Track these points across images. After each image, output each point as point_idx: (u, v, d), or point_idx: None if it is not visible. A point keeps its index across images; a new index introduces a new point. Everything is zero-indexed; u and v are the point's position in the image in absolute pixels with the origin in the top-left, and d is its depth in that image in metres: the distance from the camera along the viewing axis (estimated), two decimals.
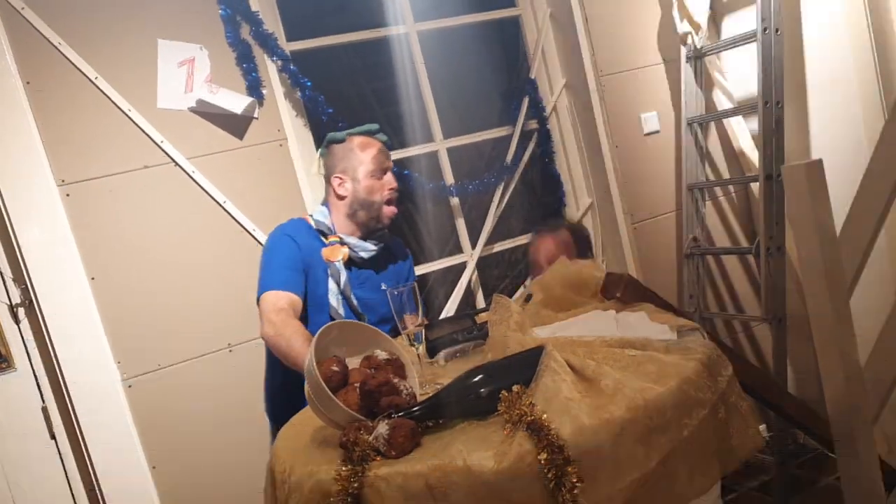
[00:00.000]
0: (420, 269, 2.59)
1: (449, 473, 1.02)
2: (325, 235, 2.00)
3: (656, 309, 1.54)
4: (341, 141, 2.05)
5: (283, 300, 1.85)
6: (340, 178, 2.02)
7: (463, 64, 2.88)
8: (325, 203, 2.07)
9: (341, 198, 2.02)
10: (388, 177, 2.04)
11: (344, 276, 1.94)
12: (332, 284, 1.93)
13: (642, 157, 2.81)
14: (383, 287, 2.03)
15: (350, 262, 1.99)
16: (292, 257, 1.92)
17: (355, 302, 1.95)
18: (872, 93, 2.55)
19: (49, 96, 2.06)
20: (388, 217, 2.03)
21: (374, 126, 2.09)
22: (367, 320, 1.96)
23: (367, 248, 2.00)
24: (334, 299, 1.92)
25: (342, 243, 1.98)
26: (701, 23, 2.63)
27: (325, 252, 1.95)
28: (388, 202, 2.03)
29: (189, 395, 2.17)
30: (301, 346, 1.73)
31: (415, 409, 1.17)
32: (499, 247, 2.78)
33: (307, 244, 1.96)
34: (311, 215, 2.04)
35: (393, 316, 2.06)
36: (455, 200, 2.69)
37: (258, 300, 1.89)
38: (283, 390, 1.95)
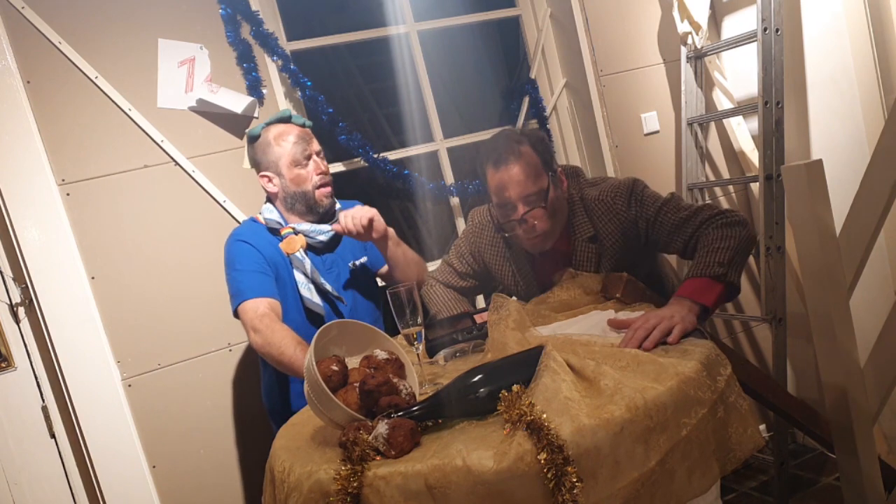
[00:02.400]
0: None
1: (448, 473, 1.02)
2: (278, 230, 1.94)
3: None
4: (258, 136, 1.95)
5: (262, 306, 1.79)
6: (267, 177, 1.94)
7: (463, 64, 2.89)
8: (269, 199, 2.00)
9: (274, 195, 1.96)
10: (315, 161, 1.94)
11: (308, 264, 1.88)
12: (299, 276, 1.88)
13: (642, 157, 2.81)
14: (352, 265, 2.00)
15: (312, 250, 1.94)
16: (256, 261, 1.86)
17: (329, 287, 1.90)
18: (872, 93, 2.55)
19: (49, 96, 2.06)
20: (324, 197, 1.94)
21: (287, 112, 1.98)
22: (347, 303, 1.93)
23: (324, 230, 1.93)
24: (305, 290, 1.87)
25: (297, 233, 1.91)
26: (701, 23, 2.63)
27: (282, 246, 1.89)
28: (322, 185, 1.94)
29: (189, 395, 2.17)
30: (293, 351, 1.71)
31: (414, 408, 1.17)
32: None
33: (263, 244, 1.89)
34: (261, 213, 1.97)
35: (372, 294, 2.03)
36: (455, 200, 2.69)
37: (235, 313, 1.84)
38: (279, 391, 1.94)
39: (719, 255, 1.53)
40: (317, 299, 1.87)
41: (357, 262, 2.01)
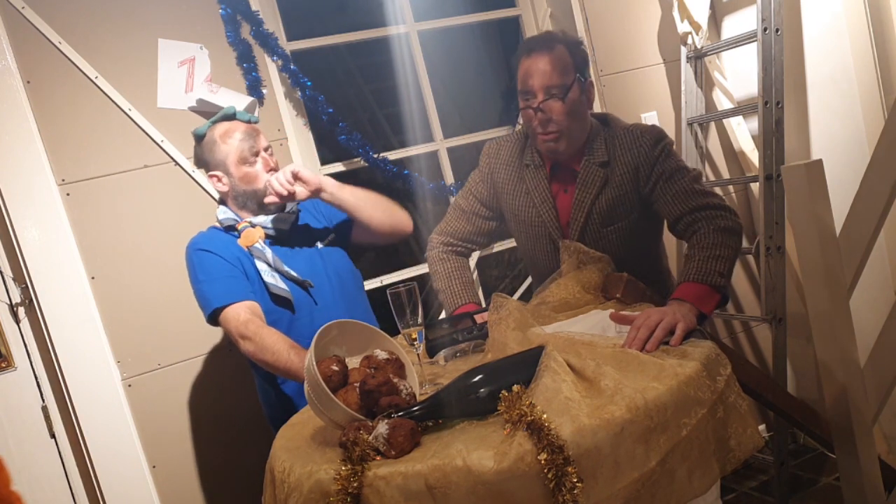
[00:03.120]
0: (420, 270, 2.59)
1: (448, 473, 1.02)
2: (235, 227, 1.88)
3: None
4: (203, 135, 1.89)
5: (243, 312, 1.75)
6: (216, 176, 1.88)
7: (463, 64, 2.89)
8: (222, 200, 1.96)
9: (225, 194, 1.91)
10: (262, 159, 1.88)
11: (269, 252, 1.84)
12: (261, 265, 1.82)
13: None
14: (319, 246, 1.95)
15: (275, 241, 1.90)
16: (219, 266, 1.81)
17: (294, 273, 1.85)
18: (872, 93, 2.55)
19: (49, 96, 2.06)
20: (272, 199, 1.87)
21: (231, 109, 1.91)
22: (315, 285, 1.88)
23: (280, 220, 1.89)
24: (269, 277, 1.82)
25: (253, 226, 1.87)
26: (701, 23, 2.63)
27: (240, 241, 1.85)
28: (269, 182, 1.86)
29: (189, 395, 2.17)
30: (288, 356, 1.69)
31: (414, 408, 1.17)
32: (498, 247, 2.78)
33: (222, 246, 1.84)
34: (216, 217, 1.92)
35: (345, 273, 1.95)
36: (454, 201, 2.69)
37: (215, 322, 1.79)
38: (274, 392, 1.92)
39: (720, 264, 1.53)
40: (282, 284, 1.82)
41: (322, 243, 1.96)
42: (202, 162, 1.92)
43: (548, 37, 1.79)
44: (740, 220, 1.68)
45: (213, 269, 1.81)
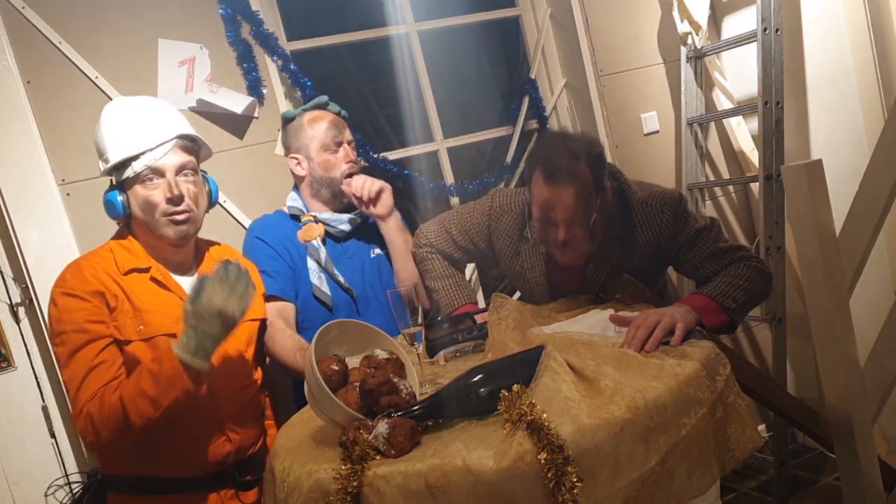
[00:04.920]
0: None
1: (448, 473, 1.02)
2: (299, 217, 1.94)
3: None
4: (292, 119, 1.98)
5: (271, 311, 1.81)
6: (296, 159, 1.96)
7: (463, 64, 2.88)
8: (295, 186, 2.02)
9: (301, 178, 1.97)
10: (345, 149, 1.95)
11: (323, 253, 1.89)
12: (311, 264, 1.89)
13: (642, 157, 2.81)
14: (373, 254, 2.00)
15: (333, 238, 1.95)
16: (266, 258, 1.87)
17: (340, 278, 1.90)
18: (872, 93, 2.55)
19: (49, 96, 2.06)
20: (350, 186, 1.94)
21: (324, 98, 2.00)
22: (358, 293, 1.93)
23: (344, 220, 1.94)
24: (315, 278, 1.88)
25: (317, 221, 1.93)
26: (701, 23, 2.64)
27: (299, 234, 1.90)
28: (349, 175, 1.94)
29: None
30: (293, 359, 1.74)
31: (414, 408, 1.17)
32: None
33: (279, 237, 1.90)
34: (286, 202, 1.99)
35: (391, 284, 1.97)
36: (455, 200, 2.69)
37: None
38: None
39: (738, 292, 1.52)
40: (325, 288, 1.89)
41: (376, 252, 2.01)
42: (285, 145, 2.00)
43: (567, 155, 1.58)
44: (770, 269, 1.66)
45: (261, 261, 1.86)
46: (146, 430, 1.43)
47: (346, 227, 1.95)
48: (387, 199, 1.90)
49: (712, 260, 1.65)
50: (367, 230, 2.03)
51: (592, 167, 1.59)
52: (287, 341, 1.78)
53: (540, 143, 1.70)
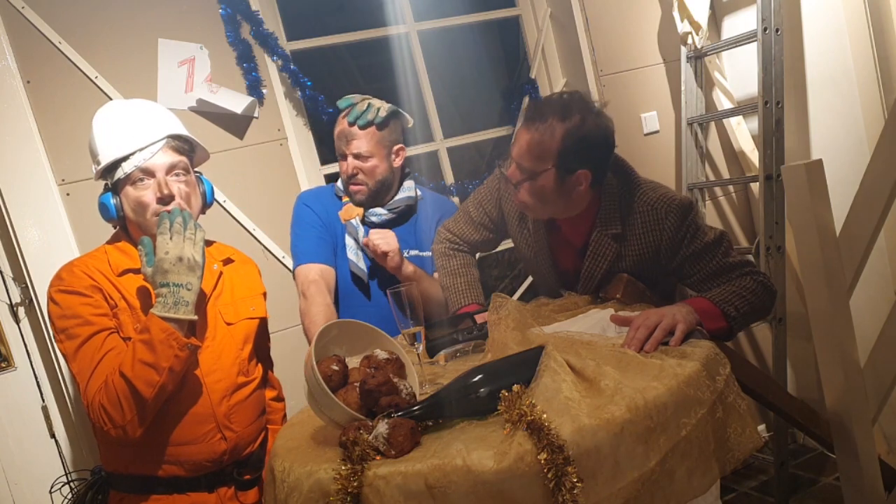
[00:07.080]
0: None
1: (448, 473, 1.02)
2: (342, 198, 2.01)
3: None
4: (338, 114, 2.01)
5: (313, 272, 1.90)
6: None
7: (463, 64, 2.89)
8: None
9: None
10: (349, 161, 1.94)
11: (361, 231, 1.94)
12: (349, 240, 1.96)
13: (642, 157, 2.80)
14: (406, 253, 2.00)
15: (371, 225, 1.98)
16: (313, 225, 1.96)
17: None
18: (872, 93, 2.55)
19: (49, 96, 2.06)
20: (353, 193, 1.97)
21: (344, 103, 1.98)
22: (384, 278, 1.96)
23: (378, 214, 1.99)
24: (352, 254, 1.94)
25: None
26: (701, 23, 2.64)
27: (341, 213, 1.97)
28: (353, 183, 1.96)
29: None
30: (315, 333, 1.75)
31: (415, 408, 1.17)
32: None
33: (325, 209, 1.99)
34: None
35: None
36: (455, 200, 2.69)
37: (293, 274, 1.96)
38: None
39: (741, 301, 1.50)
40: (361, 264, 1.94)
41: (412, 252, 2.03)
42: None
43: (556, 110, 1.57)
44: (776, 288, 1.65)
45: (306, 227, 1.97)
46: (159, 399, 1.46)
47: (377, 219, 1.98)
48: (391, 261, 1.88)
49: (718, 276, 1.60)
50: (406, 232, 2.03)
51: (571, 138, 1.56)
52: (318, 318, 1.81)
53: (563, 95, 1.68)
